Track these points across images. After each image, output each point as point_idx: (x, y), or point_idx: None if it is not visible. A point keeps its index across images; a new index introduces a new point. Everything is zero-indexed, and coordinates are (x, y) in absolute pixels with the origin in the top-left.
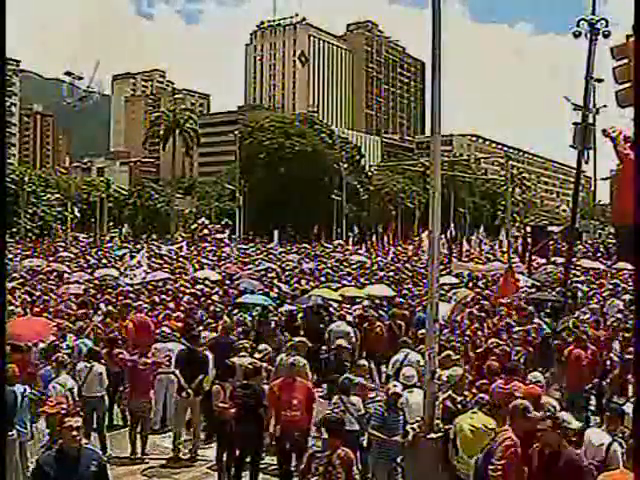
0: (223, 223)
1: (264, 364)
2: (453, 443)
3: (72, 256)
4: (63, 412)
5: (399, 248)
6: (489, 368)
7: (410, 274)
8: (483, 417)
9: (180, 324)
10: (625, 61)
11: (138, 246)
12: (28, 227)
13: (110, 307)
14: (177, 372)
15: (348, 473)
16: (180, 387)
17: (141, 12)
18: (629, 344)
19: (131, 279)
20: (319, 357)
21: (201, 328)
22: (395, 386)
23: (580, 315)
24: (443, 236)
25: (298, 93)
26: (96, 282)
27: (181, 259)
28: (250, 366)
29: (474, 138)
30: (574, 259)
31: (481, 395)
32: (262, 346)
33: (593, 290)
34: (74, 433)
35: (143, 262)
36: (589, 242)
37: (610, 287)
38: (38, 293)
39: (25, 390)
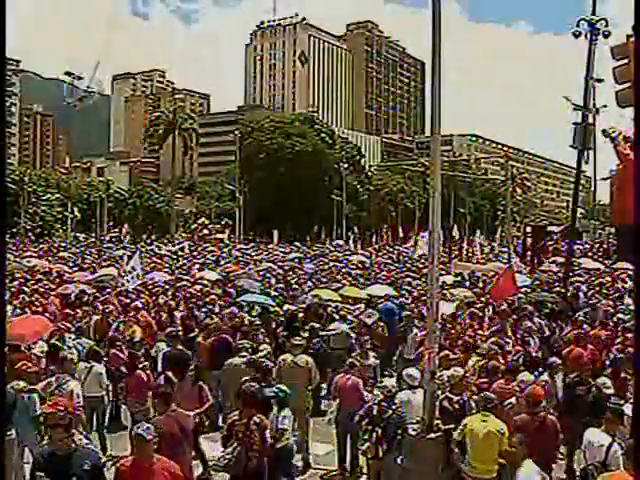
0: (223, 223)
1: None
2: (461, 445)
3: (72, 256)
4: (62, 412)
5: (399, 248)
6: (490, 368)
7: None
8: (496, 421)
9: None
10: (625, 61)
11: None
12: (28, 227)
13: (110, 306)
14: (169, 373)
15: (262, 436)
16: None
17: (137, 12)
18: (628, 344)
19: (127, 282)
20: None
21: (202, 328)
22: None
23: (581, 315)
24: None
25: (298, 93)
26: (96, 282)
27: (181, 259)
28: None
29: (474, 138)
30: (574, 259)
31: (486, 394)
32: (263, 346)
33: (592, 290)
34: (61, 436)
35: (137, 267)
36: (589, 242)
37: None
38: (38, 294)
39: (26, 390)
